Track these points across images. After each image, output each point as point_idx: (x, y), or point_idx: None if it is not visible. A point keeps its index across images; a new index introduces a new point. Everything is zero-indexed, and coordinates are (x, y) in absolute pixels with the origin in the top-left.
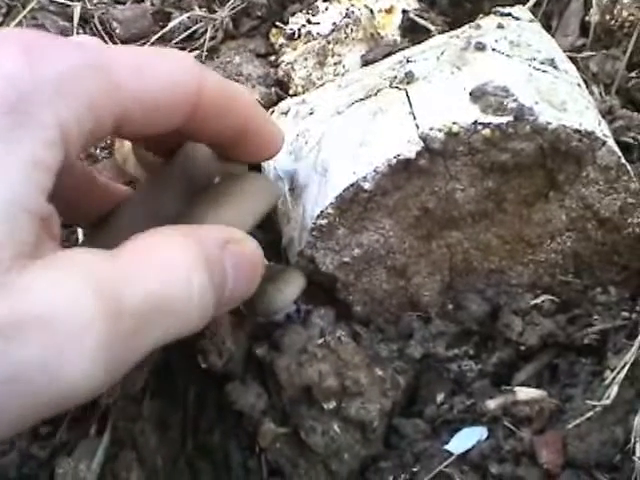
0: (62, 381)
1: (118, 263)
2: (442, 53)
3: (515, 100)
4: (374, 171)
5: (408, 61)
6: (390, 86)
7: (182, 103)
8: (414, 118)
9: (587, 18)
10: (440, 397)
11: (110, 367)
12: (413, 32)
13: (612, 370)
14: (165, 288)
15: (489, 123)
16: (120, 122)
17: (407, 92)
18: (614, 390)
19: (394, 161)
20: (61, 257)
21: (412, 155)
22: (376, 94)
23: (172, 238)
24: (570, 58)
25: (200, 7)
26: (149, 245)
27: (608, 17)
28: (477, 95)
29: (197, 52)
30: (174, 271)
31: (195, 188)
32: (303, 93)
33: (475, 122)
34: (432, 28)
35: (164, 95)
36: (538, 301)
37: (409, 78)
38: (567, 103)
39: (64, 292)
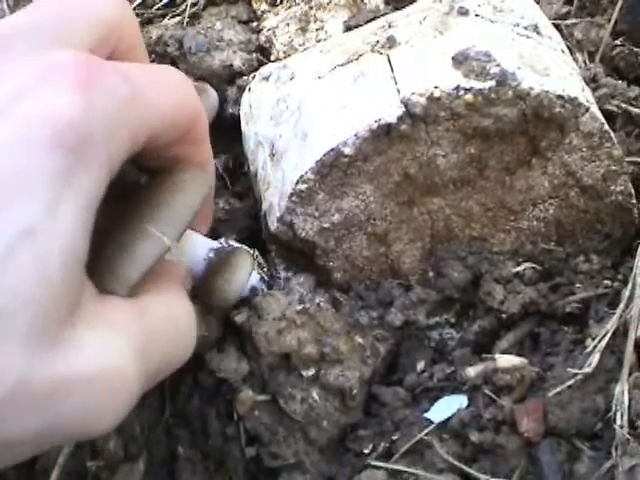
0: (94, 431)
1: (146, 324)
2: (424, 18)
3: (498, 65)
4: (355, 136)
5: (390, 26)
6: (372, 51)
7: (187, 120)
8: (395, 83)
9: None
10: (420, 365)
11: (131, 405)
12: (397, 0)
13: (593, 338)
14: (175, 349)
15: (471, 88)
16: (147, 141)
17: (389, 57)
18: (595, 358)
19: (375, 126)
20: (104, 314)
21: (393, 120)
22: (357, 59)
23: (182, 301)
24: (554, 25)
25: None
26: (166, 305)
27: None
28: (459, 60)
29: (179, 18)
30: (185, 331)
31: (125, 190)
32: (285, 59)
33: (457, 87)
34: None
35: (179, 111)
36: (520, 269)
37: (391, 43)
38: (550, 69)
39: (112, 353)
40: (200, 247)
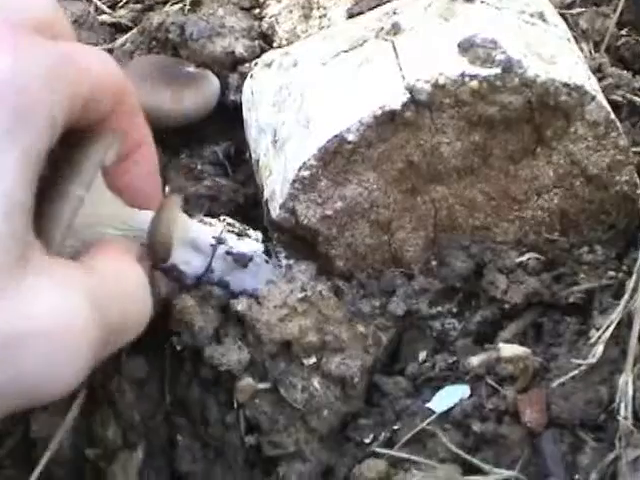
0: (55, 388)
1: (96, 281)
2: (430, 5)
3: (503, 52)
4: (358, 122)
5: (395, 12)
6: (376, 37)
7: (116, 88)
8: (400, 69)
9: None
10: (422, 355)
11: (91, 365)
12: None
13: (597, 329)
14: (129, 310)
15: (476, 75)
16: (82, 111)
17: (393, 43)
18: (599, 349)
19: (379, 112)
20: (55, 269)
21: (397, 106)
22: (362, 45)
23: (131, 265)
24: (560, 15)
25: None
26: (114, 267)
27: None
28: (465, 47)
29: (180, 5)
30: (137, 292)
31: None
32: (287, 46)
33: (462, 74)
34: None
35: (108, 77)
36: (523, 259)
37: (396, 29)
38: (556, 57)
39: (66, 305)
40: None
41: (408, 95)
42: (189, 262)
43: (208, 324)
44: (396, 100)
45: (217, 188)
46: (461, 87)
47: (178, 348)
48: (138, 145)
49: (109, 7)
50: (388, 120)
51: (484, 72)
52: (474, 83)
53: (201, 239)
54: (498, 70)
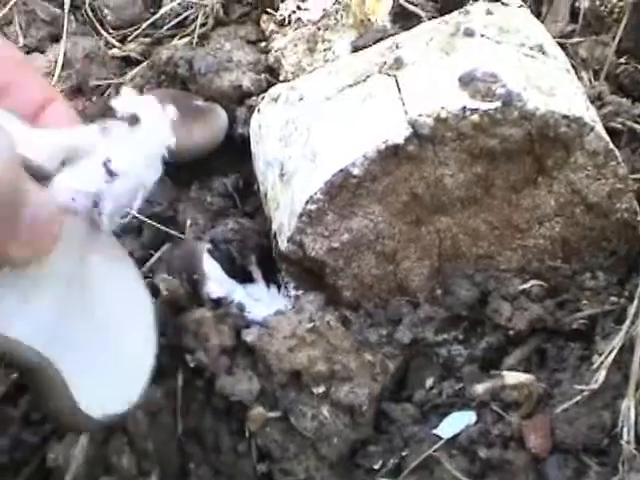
0: None
1: None
2: (431, 39)
3: (504, 86)
4: (363, 157)
5: (397, 47)
6: (379, 72)
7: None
8: (403, 104)
9: (577, 4)
10: (429, 382)
11: None
12: (403, 18)
13: (600, 355)
14: None
15: (477, 109)
16: None
17: (396, 78)
18: (602, 375)
19: (383, 147)
20: None
21: (401, 141)
22: (365, 80)
23: None
24: (560, 44)
25: None
26: None
27: (598, 3)
28: (466, 81)
29: (188, 38)
30: None
31: None
32: (293, 79)
33: (464, 108)
34: (422, 14)
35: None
36: (527, 286)
37: (398, 64)
38: (555, 88)
39: None
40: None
41: (411, 130)
42: None
43: (222, 342)
44: (399, 135)
45: (243, 232)
46: (462, 121)
47: (191, 365)
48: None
49: (119, 41)
50: (392, 154)
51: (485, 106)
52: (475, 117)
53: None
54: (498, 104)
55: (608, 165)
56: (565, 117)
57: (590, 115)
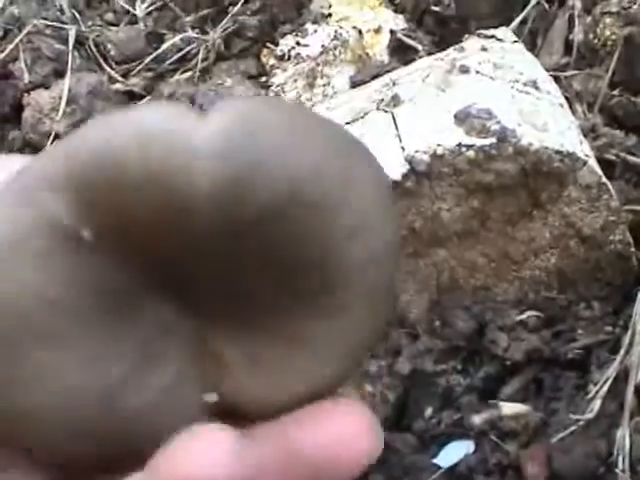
0: None
1: None
2: (427, 76)
3: (498, 122)
4: None
5: (394, 84)
6: (377, 109)
7: None
8: (400, 140)
9: (571, 37)
10: (428, 411)
11: None
12: (401, 52)
13: (595, 384)
14: None
15: (473, 145)
16: None
17: (393, 115)
18: (597, 404)
19: None
20: None
21: (398, 177)
22: (363, 117)
23: None
24: (554, 77)
25: (193, 28)
26: None
27: (591, 36)
28: (461, 118)
29: (190, 73)
30: None
31: None
32: None
33: (459, 144)
34: (419, 48)
35: None
36: (523, 317)
37: (395, 101)
38: (549, 124)
39: None
40: None
41: (408, 166)
42: None
43: None
44: (397, 171)
45: None
46: (458, 157)
47: None
48: None
49: (122, 76)
50: None
51: (480, 142)
52: (470, 153)
53: None
54: (493, 140)
55: (601, 198)
56: (558, 152)
57: (583, 149)
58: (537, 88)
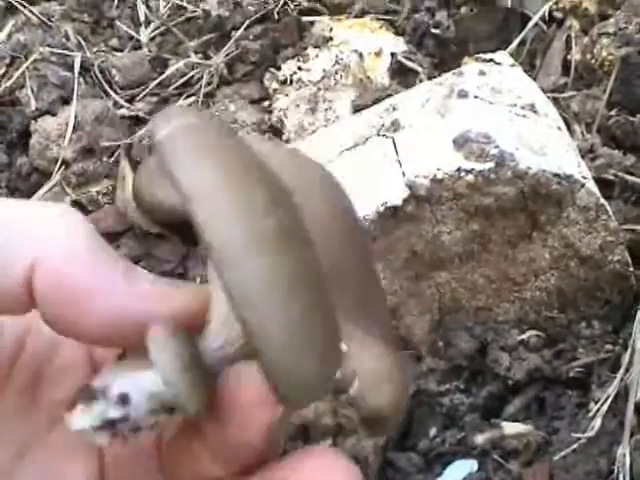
0: None
1: None
2: (427, 100)
3: (496, 146)
4: (363, 218)
5: (394, 109)
6: (378, 134)
7: None
8: (400, 165)
9: (569, 57)
10: (433, 431)
11: None
12: (401, 74)
13: (596, 402)
14: None
15: (472, 169)
16: None
17: (393, 140)
18: (598, 422)
19: (382, 208)
20: None
21: (399, 202)
22: (364, 142)
23: None
24: (552, 98)
25: (196, 53)
26: None
27: (589, 56)
28: (460, 142)
29: (194, 97)
30: None
31: None
32: (296, 139)
33: (459, 169)
34: (419, 70)
35: None
36: (524, 337)
37: (395, 126)
38: (547, 147)
39: None
40: None
41: (408, 191)
42: None
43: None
44: (397, 196)
45: None
46: (458, 181)
47: None
48: None
49: (127, 101)
50: (391, 215)
51: (479, 166)
52: (470, 177)
53: None
54: (492, 164)
55: (599, 219)
56: (556, 175)
57: (581, 171)
58: (535, 111)
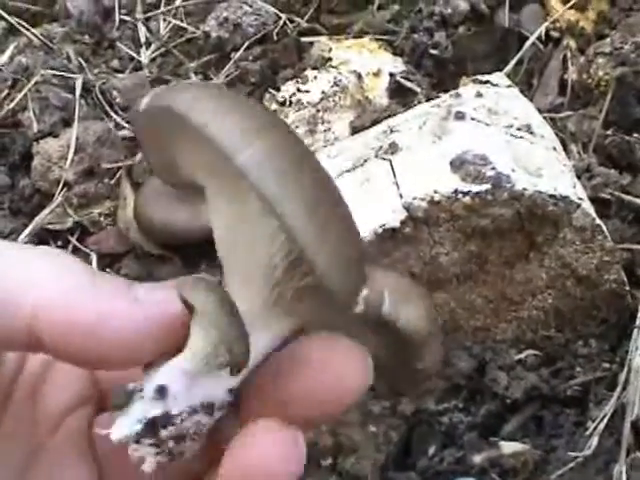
0: None
1: None
2: (424, 122)
3: (493, 168)
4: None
5: (392, 131)
6: (376, 156)
7: None
8: (398, 188)
9: (565, 76)
10: (432, 450)
11: None
12: (400, 94)
13: (593, 421)
14: None
15: (469, 191)
16: None
17: (391, 162)
18: (594, 441)
19: (380, 230)
20: None
21: (397, 224)
22: (362, 164)
23: None
24: (549, 118)
25: (196, 74)
26: None
27: (585, 76)
28: (457, 165)
29: None
30: None
31: None
32: None
33: (455, 191)
34: (418, 90)
35: None
36: (522, 356)
37: (393, 148)
38: (543, 169)
39: None
40: None
41: (406, 213)
42: None
43: None
44: (395, 218)
45: None
46: (455, 203)
47: None
48: None
49: (128, 122)
50: (389, 237)
51: (475, 188)
52: (467, 199)
53: None
54: (488, 186)
55: (595, 239)
56: (552, 196)
57: (577, 192)
58: (531, 132)
